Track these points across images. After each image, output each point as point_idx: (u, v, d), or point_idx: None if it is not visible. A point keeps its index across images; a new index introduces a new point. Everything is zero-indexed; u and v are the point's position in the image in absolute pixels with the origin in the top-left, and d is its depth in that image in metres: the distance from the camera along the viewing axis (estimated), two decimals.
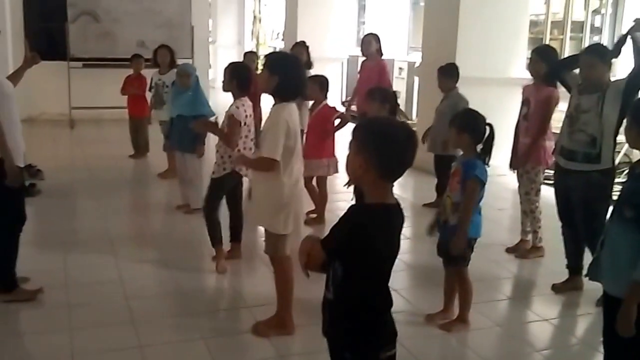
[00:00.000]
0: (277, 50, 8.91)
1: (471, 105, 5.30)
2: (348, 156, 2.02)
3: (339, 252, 1.97)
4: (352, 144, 2.00)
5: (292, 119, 3.25)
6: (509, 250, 4.94)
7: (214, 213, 4.37)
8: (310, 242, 2.02)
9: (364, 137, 1.98)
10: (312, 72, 6.03)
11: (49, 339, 3.40)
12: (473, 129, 3.49)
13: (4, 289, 3.76)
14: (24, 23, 10.18)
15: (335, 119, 5.38)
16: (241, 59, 7.27)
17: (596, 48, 4.15)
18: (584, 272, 4.02)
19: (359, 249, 1.92)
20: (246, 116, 4.17)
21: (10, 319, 3.65)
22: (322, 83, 5.35)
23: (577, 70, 4.09)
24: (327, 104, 5.43)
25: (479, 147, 3.54)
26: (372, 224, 1.93)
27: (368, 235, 1.92)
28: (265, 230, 3.38)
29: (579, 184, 3.92)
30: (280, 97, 3.28)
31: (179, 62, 7.02)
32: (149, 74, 7.23)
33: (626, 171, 2.73)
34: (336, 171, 5.37)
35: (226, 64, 4.38)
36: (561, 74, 4.27)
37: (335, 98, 11.23)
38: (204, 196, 4.46)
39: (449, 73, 5.70)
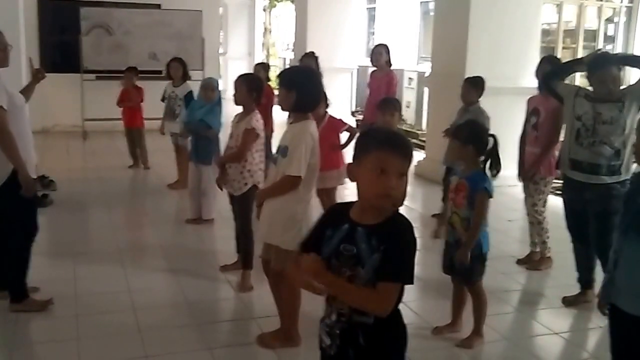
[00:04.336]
0: (291, 65, 8.94)
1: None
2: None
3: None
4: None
5: (315, 135, 3.27)
6: (519, 262, 4.91)
7: (252, 229, 4.25)
8: (312, 261, 1.91)
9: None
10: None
11: (58, 349, 3.43)
12: (478, 141, 3.46)
13: (15, 299, 3.79)
14: (39, 36, 10.35)
15: (342, 131, 5.34)
16: (251, 70, 7.31)
17: (614, 59, 3.91)
18: (595, 289, 4.01)
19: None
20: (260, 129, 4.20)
21: (20, 328, 3.67)
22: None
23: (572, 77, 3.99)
24: (330, 116, 5.41)
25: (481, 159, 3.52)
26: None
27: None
28: (276, 246, 3.33)
29: (598, 196, 3.79)
30: (300, 112, 3.29)
31: (190, 74, 7.11)
32: (162, 85, 7.28)
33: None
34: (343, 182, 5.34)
35: (236, 76, 4.32)
36: (552, 85, 4.11)
37: (344, 109, 11.26)
38: (240, 217, 4.33)
39: (476, 85, 5.49)
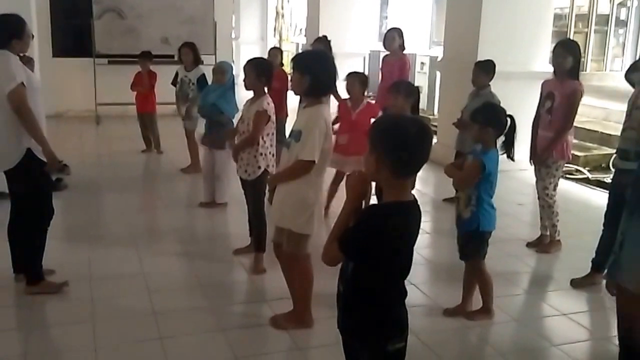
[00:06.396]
0: (305, 50, 8.91)
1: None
2: (365, 154, 2.02)
3: (355, 253, 2.00)
4: (368, 143, 2.00)
5: (328, 120, 3.27)
6: (529, 245, 4.92)
7: (264, 213, 4.30)
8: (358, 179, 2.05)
9: (374, 135, 1.97)
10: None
11: (73, 331, 3.49)
12: (497, 123, 3.50)
13: (30, 281, 3.86)
14: (51, 20, 10.37)
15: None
16: (266, 55, 7.30)
17: None
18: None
19: (373, 251, 1.96)
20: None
21: (36, 310, 3.74)
22: (362, 81, 5.33)
23: None
24: (369, 102, 5.44)
25: (500, 140, 3.55)
26: (387, 226, 1.94)
27: (383, 238, 1.94)
28: (288, 229, 3.35)
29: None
30: (314, 96, 3.28)
31: (202, 58, 7.12)
32: (175, 69, 7.30)
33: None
34: None
35: (246, 61, 4.30)
36: (631, 77, 4.03)
37: None
38: (253, 201, 4.37)
39: (487, 69, 5.50)
